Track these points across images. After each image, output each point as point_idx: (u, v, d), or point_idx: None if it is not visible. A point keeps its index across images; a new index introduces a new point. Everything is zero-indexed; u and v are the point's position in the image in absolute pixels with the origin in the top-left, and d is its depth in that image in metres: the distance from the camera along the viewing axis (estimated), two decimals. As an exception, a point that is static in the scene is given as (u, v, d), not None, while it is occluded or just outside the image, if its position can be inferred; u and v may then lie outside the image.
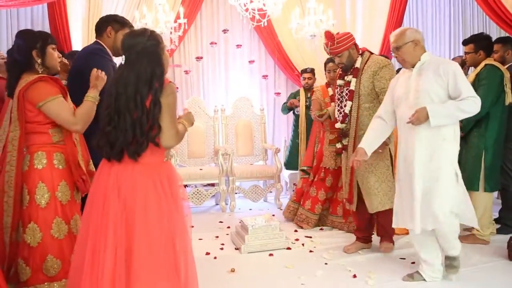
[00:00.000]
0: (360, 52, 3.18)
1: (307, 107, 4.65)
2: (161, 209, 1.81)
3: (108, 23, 2.72)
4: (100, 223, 1.77)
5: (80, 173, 2.27)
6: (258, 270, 2.96)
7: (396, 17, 5.27)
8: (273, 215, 3.70)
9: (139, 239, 1.75)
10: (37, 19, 4.96)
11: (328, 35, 3.12)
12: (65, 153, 2.26)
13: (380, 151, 2.93)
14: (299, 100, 4.71)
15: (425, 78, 2.51)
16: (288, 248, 3.37)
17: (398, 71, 3.35)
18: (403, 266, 2.94)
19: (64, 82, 2.63)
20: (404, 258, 3.09)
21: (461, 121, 3.33)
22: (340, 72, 3.28)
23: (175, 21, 4.59)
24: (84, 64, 2.55)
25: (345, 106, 3.17)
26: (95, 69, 2.29)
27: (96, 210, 1.80)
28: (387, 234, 3.18)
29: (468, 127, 3.40)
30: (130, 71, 1.81)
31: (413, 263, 2.97)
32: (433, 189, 2.49)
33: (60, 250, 2.19)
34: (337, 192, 3.88)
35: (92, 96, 2.25)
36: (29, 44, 2.22)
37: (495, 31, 5.70)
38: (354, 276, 2.79)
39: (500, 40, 3.73)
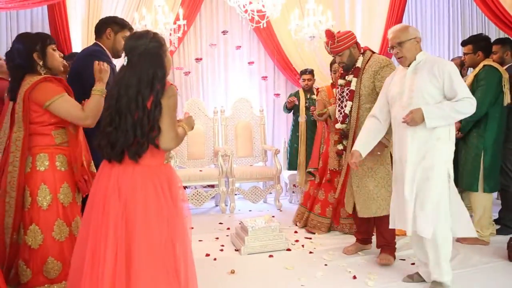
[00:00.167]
0: (362, 51, 3.11)
1: (307, 108, 4.65)
2: (161, 211, 1.81)
3: (107, 25, 2.72)
4: (101, 224, 1.77)
5: (83, 172, 2.27)
6: (258, 271, 2.96)
7: (395, 18, 5.27)
8: (273, 216, 3.69)
9: (139, 241, 1.76)
10: (37, 21, 4.96)
11: (329, 34, 3.06)
12: (68, 155, 2.26)
13: (379, 153, 2.88)
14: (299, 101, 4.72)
15: (419, 77, 2.49)
16: (288, 250, 3.37)
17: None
18: (403, 267, 2.94)
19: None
20: (404, 259, 3.09)
21: (460, 122, 3.36)
22: (341, 72, 3.22)
23: (175, 23, 4.59)
24: (83, 66, 2.56)
25: (345, 106, 3.11)
26: (96, 62, 2.29)
27: (96, 211, 1.81)
28: (387, 245, 3.03)
29: (467, 128, 3.41)
30: (132, 72, 1.81)
31: (413, 264, 2.97)
32: (424, 189, 2.44)
33: (61, 252, 2.20)
34: None
35: (99, 90, 2.25)
36: (28, 47, 2.22)
37: (494, 32, 5.72)
38: (354, 277, 2.79)
39: (499, 41, 3.74)
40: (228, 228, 4.01)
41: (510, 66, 3.59)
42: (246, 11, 4.04)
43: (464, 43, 3.60)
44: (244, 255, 3.27)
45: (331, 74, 4.05)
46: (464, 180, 3.44)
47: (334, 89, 3.89)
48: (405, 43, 2.53)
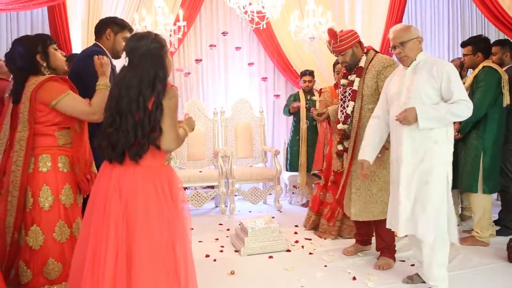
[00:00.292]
0: (365, 51, 3.06)
1: (307, 109, 4.65)
2: (161, 212, 1.81)
3: (107, 25, 2.72)
4: (102, 224, 1.77)
5: (86, 172, 2.28)
6: (257, 272, 2.96)
7: (395, 19, 5.28)
8: (273, 217, 3.69)
9: (140, 242, 1.76)
10: (37, 22, 4.96)
11: (331, 33, 3.02)
12: (70, 156, 2.26)
13: (379, 155, 2.83)
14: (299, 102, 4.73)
15: (418, 77, 2.47)
16: (288, 251, 3.37)
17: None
18: (403, 268, 2.94)
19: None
20: (403, 260, 3.09)
21: (459, 123, 3.36)
22: (344, 71, 3.18)
23: (175, 24, 4.60)
24: (83, 67, 2.56)
25: (347, 106, 3.07)
26: (96, 57, 2.29)
27: (97, 211, 1.81)
28: (387, 248, 3.00)
29: (467, 129, 3.41)
30: (133, 73, 1.82)
31: (412, 265, 2.97)
32: (424, 193, 2.42)
33: (61, 253, 2.20)
34: None
35: (103, 84, 2.27)
36: (30, 50, 2.22)
37: (493, 33, 5.73)
38: (354, 278, 2.79)
39: (498, 42, 3.74)
40: (228, 229, 4.01)
41: (510, 67, 3.60)
42: (246, 12, 4.05)
43: (463, 44, 3.61)
44: (244, 256, 3.28)
45: (334, 75, 3.98)
46: (463, 181, 3.44)
47: (337, 90, 3.85)
48: (407, 43, 2.50)
